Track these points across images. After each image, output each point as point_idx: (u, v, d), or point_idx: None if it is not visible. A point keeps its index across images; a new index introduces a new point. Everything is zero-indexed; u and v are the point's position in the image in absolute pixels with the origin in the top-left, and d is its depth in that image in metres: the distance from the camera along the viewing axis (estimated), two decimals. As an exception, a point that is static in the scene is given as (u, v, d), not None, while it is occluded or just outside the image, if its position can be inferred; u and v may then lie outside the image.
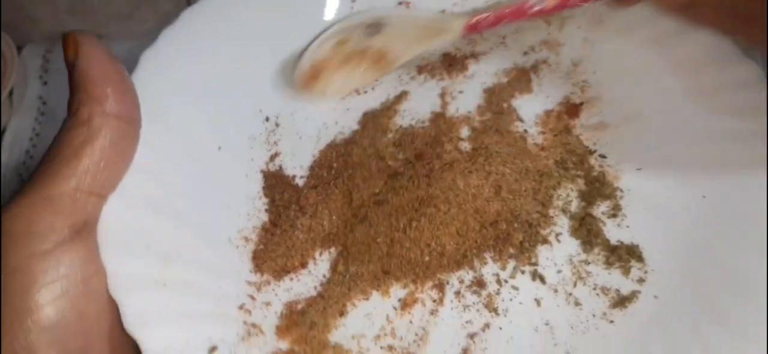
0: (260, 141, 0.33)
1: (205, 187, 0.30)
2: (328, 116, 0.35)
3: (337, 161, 0.33)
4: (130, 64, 0.29)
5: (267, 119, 0.34)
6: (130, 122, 0.26)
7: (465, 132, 0.33)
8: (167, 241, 0.27)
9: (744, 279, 0.27)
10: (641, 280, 0.29)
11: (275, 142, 0.33)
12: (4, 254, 0.23)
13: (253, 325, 0.28)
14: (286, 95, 0.34)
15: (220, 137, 0.32)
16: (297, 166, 0.33)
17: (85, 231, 0.24)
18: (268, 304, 0.29)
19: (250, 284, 0.29)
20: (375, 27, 0.33)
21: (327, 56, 0.33)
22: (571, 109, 0.34)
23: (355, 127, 0.34)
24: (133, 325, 0.24)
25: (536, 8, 0.32)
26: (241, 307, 0.28)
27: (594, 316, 0.29)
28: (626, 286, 0.29)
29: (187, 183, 0.29)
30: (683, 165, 0.31)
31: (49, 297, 0.23)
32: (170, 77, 0.30)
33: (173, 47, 0.30)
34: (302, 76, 0.33)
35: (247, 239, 0.30)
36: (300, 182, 0.33)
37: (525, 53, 0.36)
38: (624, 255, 0.30)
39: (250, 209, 0.32)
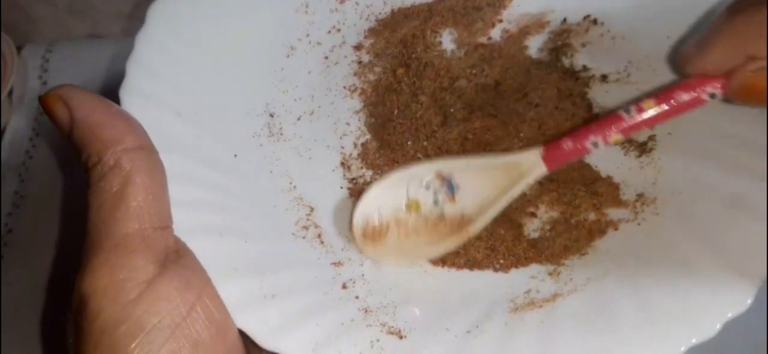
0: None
1: (248, 190, 0.30)
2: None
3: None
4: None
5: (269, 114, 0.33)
6: (151, 150, 0.25)
7: None
8: (249, 257, 0.27)
9: None
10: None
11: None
12: (100, 314, 0.22)
13: (357, 298, 0.28)
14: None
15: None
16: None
17: (169, 262, 0.23)
18: (360, 264, 0.30)
19: (334, 265, 0.29)
20: (447, 186, 0.30)
21: (396, 218, 0.30)
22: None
23: None
24: (268, 339, 0.24)
25: (632, 122, 0.26)
26: (343, 286, 0.28)
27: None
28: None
29: (234, 187, 0.29)
30: None
31: (161, 338, 0.22)
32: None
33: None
34: (362, 234, 0.30)
35: (305, 228, 0.31)
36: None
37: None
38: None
39: (291, 200, 0.31)
